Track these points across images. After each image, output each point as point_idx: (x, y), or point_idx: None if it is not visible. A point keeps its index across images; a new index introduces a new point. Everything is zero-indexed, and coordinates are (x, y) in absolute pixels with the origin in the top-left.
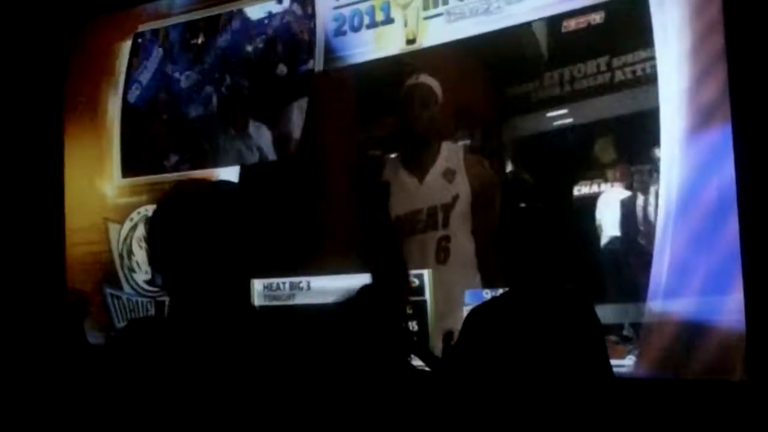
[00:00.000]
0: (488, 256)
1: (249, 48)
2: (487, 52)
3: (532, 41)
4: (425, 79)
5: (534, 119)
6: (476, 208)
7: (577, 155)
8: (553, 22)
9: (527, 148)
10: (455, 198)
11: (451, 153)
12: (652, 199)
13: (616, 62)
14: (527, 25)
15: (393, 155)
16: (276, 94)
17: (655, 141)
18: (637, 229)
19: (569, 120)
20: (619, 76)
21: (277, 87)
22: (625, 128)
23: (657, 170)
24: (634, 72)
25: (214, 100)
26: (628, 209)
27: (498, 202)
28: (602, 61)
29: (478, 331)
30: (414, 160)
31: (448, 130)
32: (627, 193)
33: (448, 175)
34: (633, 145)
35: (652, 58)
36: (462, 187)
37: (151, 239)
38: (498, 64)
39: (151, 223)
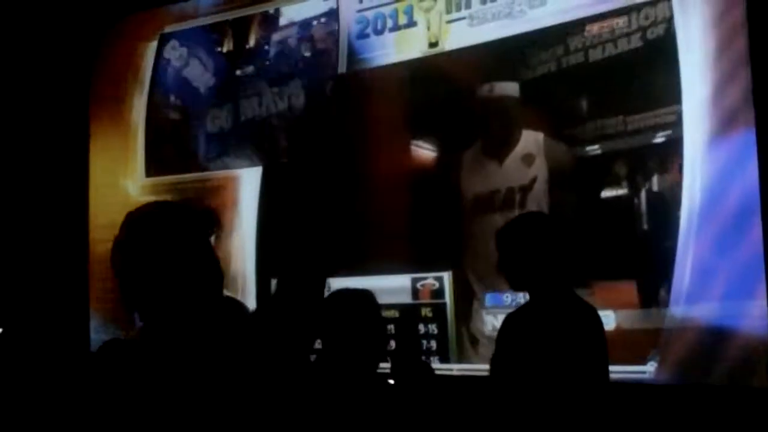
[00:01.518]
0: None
1: (275, 50)
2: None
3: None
4: (500, 89)
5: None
6: (554, 191)
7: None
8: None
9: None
10: (533, 180)
11: (530, 139)
12: (675, 204)
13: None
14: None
15: (473, 146)
16: (298, 95)
17: (679, 145)
18: (659, 233)
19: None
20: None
21: (299, 88)
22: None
23: (680, 175)
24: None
25: (238, 101)
26: (650, 214)
27: (574, 186)
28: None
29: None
30: (494, 147)
31: (527, 121)
32: (650, 198)
33: (528, 159)
34: (656, 149)
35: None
36: (541, 170)
37: (119, 264)
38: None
39: (117, 250)
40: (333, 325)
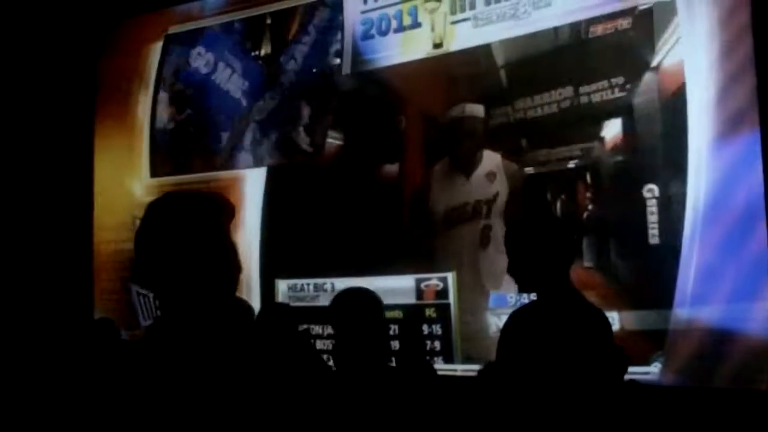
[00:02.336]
0: None
1: (280, 50)
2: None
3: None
4: (471, 110)
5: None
6: (511, 204)
7: (604, 161)
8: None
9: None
10: (496, 195)
11: (490, 158)
12: (679, 206)
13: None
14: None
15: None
16: (305, 96)
17: (683, 147)
18: (664, 235)
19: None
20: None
21: (306, 89)
22: (654, 135)
23: (684, 177)
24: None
25: (243, 102)
26: (655, 215)
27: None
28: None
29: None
30: (461, 163)
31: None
32: (654, 200)
33: (490, 176)
34: (660, 151)
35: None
36: (501, 186)
37: (138, 248)
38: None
39: (138, 235)
40: (337, 324)
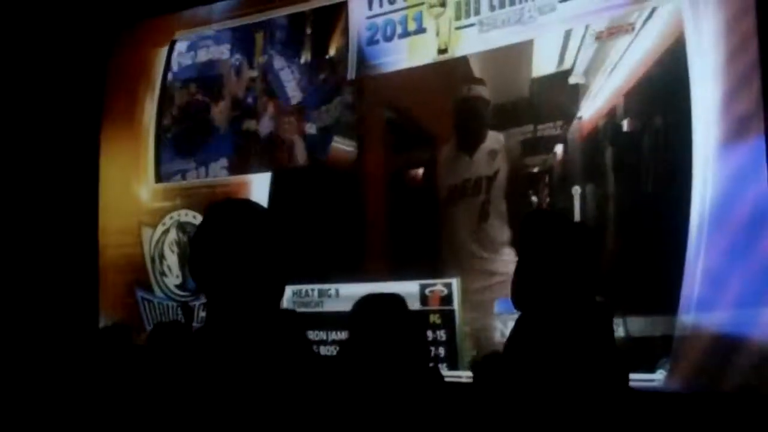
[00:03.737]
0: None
1: (285, 53)
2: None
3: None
4: (477, 90)
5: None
6: (511, 183)
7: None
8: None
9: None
10: (496, 172)
11: (493, 138)
12: (684, 211)
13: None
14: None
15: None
16: (311, 100)
17: (689, 152)
18: (669, 241)
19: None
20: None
21: (312, 93)
22: (659, 138)
23: (690, 181)
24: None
25: (249, 106)
26: (660, 221)
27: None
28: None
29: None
30: (466, 143)
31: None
32: (659, 204)
33: (492, 154)
34: (666, 154)
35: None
36: (502, 164)
37: (195, 248)
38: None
39: (198, 233)
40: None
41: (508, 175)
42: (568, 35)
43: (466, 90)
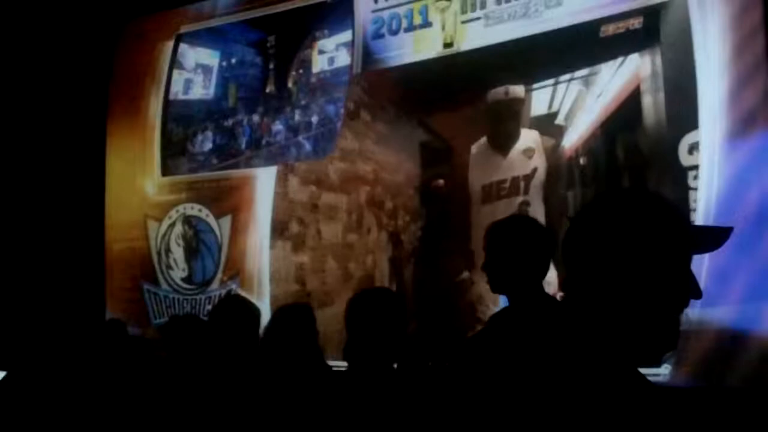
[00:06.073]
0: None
1: (292, 49)
2: None
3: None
4: (514, 92)
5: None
6: (550, 180)
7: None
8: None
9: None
10: (534, 170)
11: (528, 135)
12: (691, 205)
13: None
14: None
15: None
16: (318, 94)
17: (695, 146)
18: None
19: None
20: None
21: (319, 88)
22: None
23: (697, 176)
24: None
25: (253, 101)
26: None
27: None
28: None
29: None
30: (499, 142)
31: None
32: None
33: (528, 152)
34: (672, 148)
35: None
36: (539, 162)
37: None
38: None
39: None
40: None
41: (546, 173)
42: None
43: (503, 93)
